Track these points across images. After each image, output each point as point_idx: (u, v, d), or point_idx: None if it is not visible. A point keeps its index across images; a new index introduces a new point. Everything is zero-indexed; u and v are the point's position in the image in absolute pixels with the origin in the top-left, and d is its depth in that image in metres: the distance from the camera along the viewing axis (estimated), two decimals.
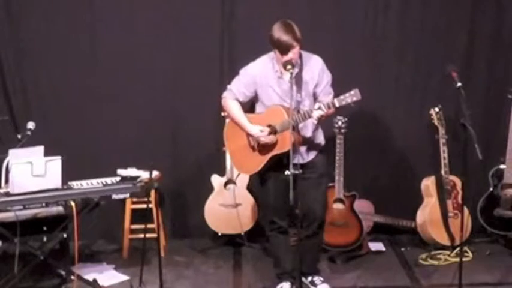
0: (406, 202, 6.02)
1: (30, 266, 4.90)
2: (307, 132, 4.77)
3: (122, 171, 5.25)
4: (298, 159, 4.57)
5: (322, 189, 4.93)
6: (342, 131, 5.41)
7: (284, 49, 4.56)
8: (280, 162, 4.66)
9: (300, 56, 4.70)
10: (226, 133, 4.96)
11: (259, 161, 4.77)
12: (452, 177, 5.68)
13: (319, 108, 4.54)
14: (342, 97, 4.50)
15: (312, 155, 4.83)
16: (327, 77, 4.76)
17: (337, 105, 4.52)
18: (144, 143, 5.91)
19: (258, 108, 4.83)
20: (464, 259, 4.82)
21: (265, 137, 4.68)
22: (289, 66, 4.52)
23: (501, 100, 5.78)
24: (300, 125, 4.70)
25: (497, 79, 5.97)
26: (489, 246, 5.71)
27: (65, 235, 4.99)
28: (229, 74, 5.35)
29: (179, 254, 5.80)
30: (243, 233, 5.78)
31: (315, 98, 4.74)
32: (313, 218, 4.86)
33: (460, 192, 5.50)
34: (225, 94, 4.87)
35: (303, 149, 4.78)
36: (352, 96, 4.47)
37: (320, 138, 4.89)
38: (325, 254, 5.53)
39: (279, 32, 4.56)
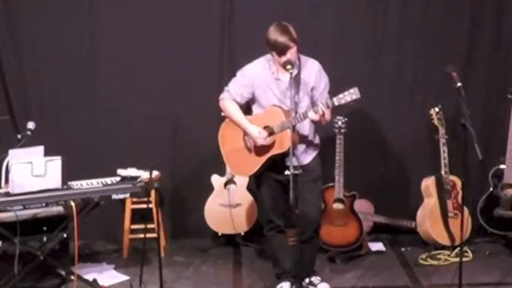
0: (406, 202, 6.03)
1: (30, 266, 4.89)
2: (305, 130, 4.75)
3: (122, 171, 5.25)
4: (296, 163, 4.56)
5: (317, 193, 4.90)
6: (342, 131, 5.40)
7: (281, 50, 4.54)
8: (276, 163, 4.66)
9: (298, 58, 4.69)
10: (221, 135, 4.94)
11: (256, 163, 4.75)
12: (452, 177, 5.67)
13: (315, 109, 4.52)
14: (340, 95, 4.48)
15: (310, 157, 4.81)
16: (325, 80, 4.74)
17: (336, 103, 4.50)
18: (144, 143, 5.91)
19: (255, 109, 4.82)
20: (464, 259, 4.82)
21: (262, 140, 4.67)
22: (289, 66, 4.51)
23: (501, 100, 5.77)
24: (298, 125, 4.68)
25: (497, 79, 5.97)
26: (489, 246, 5.71)
27: (65, 235, 4.99)
28: (229, 74, 5.34)
29: (179, 254, 5.80)
30: (242, 233, 5.78)
31: (313, 101, 4.72)
32: (308, 222, 4.78)
33: (460, 192, 5.48)
34: (223, 95, 4.86)
35: (301, 150, 4.76)
36: (351, 94, 4.45)
37: (317, 139, 4.88)
38: (325, 254, 5.53)
39: (275, 34, 4.55)
